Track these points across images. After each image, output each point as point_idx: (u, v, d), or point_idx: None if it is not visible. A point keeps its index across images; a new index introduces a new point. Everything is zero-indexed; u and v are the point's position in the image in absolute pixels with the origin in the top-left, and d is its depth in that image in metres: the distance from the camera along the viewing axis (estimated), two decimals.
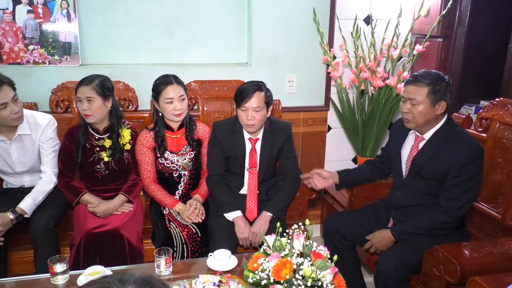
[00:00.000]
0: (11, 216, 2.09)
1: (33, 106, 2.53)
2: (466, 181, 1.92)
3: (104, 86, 2.22)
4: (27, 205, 2.14)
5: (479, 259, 1.74)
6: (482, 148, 1.97)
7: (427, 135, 2.03)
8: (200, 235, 2.25)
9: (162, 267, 1.79)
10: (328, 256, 1.49)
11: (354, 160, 3.35)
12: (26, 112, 2.26)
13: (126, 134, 2.33)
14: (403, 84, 2.72)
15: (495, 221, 2.14)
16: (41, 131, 2.25)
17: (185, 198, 2.39)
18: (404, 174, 2.12)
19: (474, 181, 1.94)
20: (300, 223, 1.62)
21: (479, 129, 2.29)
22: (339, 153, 3.33)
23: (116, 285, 0.53)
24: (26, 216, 2.13)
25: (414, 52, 2.73)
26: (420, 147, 2.05)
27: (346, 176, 2.38)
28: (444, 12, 2.66)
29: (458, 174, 1.91)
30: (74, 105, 2.61)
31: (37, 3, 2.59)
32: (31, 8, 2.59)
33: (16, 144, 2.22)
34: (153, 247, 2.24)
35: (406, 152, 2.12)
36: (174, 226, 2.26)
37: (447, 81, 1.95)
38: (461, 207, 1.94)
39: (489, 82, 2.91)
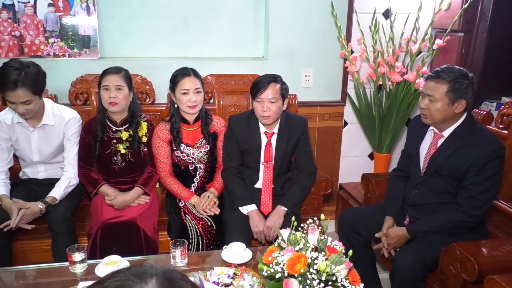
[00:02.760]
0: (40, 206, 2.15)
1: (53, 98, 2.57)
2: (487, 179, 1.88)
3: (130, 77, 2.31)
4: (57, 193, 2.22)
5: (498, 257, 1.71)
6: (504, 146, 1.92)
7: (446, 133, 1.99)
8: (215, 228, 2.26)
9: (178, 258, 1.81)
10: (343, 251, 1.48)
11: (371, 156, 3.32)
12: (53, 104, 2.32)
13: (143, 127, 2.36)
14: (422, 79, 2.68)
15: None
16: (63, 124, 2.30)
17: (200, 191, 2.40)
18: (421, 172, 2.08)
19: (495, 180, 1.90)
20: (315, 218, 1.62)
21: (500, 126, 2.24)
22: (355, 148, 3.30)
23: (136, 282, 0.51)
24: (56, 203, 2.21)
25: (434, 47, 2.68)
26: (438, 144, 2.02)
27: (397, 210, 2.17)
28: (466, 6, 2.61)
29: (479, 172, 1.87)
30: (93, 98, 2.65)
31: None
32: (51, 2, 2.63)
33: (38, 132, 2.27)
34: (169, 238, 2.26)
35: (424, 149, 2.08)
36: (189, 218, 2.28)
37: (469, 78, 1.88)
38: (480, 206, 1.90)
39: (511, 78, 2.85)
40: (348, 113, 3.17)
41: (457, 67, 1.94)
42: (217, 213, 2.29)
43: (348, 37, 2.94)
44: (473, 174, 1.89)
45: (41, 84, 2.14)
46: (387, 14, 2.93)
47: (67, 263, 1.78)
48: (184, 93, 2.25)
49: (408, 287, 1.89)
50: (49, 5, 2.63)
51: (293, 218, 1.62)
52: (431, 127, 2.05)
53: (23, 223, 2.11)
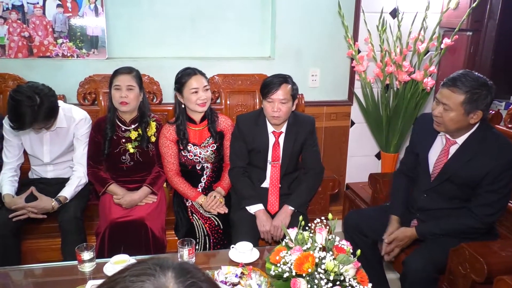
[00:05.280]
0: (53, 203, 2.18)
1: (62, 98, 2.59)
2: (503, 187, 1.85)
3: (141, 78, 2.33)
4: (68, 192, 2.25)
5: (507, 258, 1.70)
6: None
7: (460, 140, 1.93)
8: (222, 227, 2.27)
9: (185, 257, 1.82)
10: (351, 250, 1.48)
11: (378, 156, 3.31)
12: (64, 105, 2.34)
13: (152, 127, 2.38)
14: (429, 78, 2.66)
15: None
16: (74, 125, 2.32)
17: (207, 190, 2.41)
18: (431, 178, 2.03)
19: (509, 188, 1.87)
20: (323, 217, 1.62)
21: (509, 125, 2.22)
22: (362, 148, 3.29)
23: (158, 271, 0.54)
24: (66, 202, 2.24)
25: (442, 46, 2.67)
26: (451, 152, 1.96)
27: (404, 209, 2.15)
28: (474, 5, 2.58)
29: (495, 181, 1.83)
30: (101, 98, 2.67)
31: None
32: (60, 3, 2.65)
33: (51, 134, 2.30)
34: (176, 238, 2.28)
35: (434, 155, 2.03)
36: (196, 218, 2.29)
37: (488, 87, 1.79)
38: (494, 213, 1.88)
39: None
40: (355, 112, 3.16)
41: (475, 74, 1.83)
42: (226, 212, 2.29)
43: (355, 37, 2.93)
44: (489, 182, 1.84)
45: (55, 112, 2.18)
46: (394, 13, 2.92)
47: (76, 262, 1.80)
48: (194, 92, 2.26)
49: None
50: (58, 6, 2.65)
51: (300, 217, 1.62)
52: (442, 132, 1.98)
53: (32, 215, 2.15)
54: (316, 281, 1.39)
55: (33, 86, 2.08)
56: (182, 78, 2.28)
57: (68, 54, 2.73)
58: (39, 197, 2.17)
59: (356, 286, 1.40)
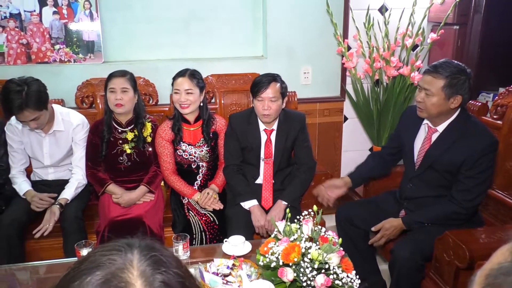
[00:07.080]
0: (57, 207, 2.28)
1: (60, 103, 2.67)
2: (481, 173, 1.91)
3: (135, 80, 2.39)
4: (68, 194, 2.34)
5: (489, 244, 1.75)
6: (497, 140, 1.95)
7: (441, 127, 2.01)
8: (217, 223, 2.34)
9: (180, 252, 1.89)
10: (334, 239, 1.54)
11: (371, 150, 3.36)
12: (62, 109, 2.42)
13: (147, 127, 2.44)
14: (417, 72, 2.72)
15: (510, 208, 2.14)
16: (71, 129, 2.40)
17: (203, 188, 2.47)
18: (415, 166, 2.11)
19: (488, 173, 1.94)
20: (310, 210, 1.68)
21: (495, 116, 2.28)
22: (355, 143, 3.35)
23: (125, 248, 0.62)
24: (67, 202, 2.33)
25: (428, 41, 2.72)
26: (433, 139, 2.04)
27: (357, 177, 2.36)
28: None
29: (473, 166, 1.91)
30: (98, 101, 2.74)
31: (62, 5, 2.73)
32: (56, 10, 2.73)
33: (49, 138, 2.38)
34: (173, 234, 2.34)
35: (419, 144, 2.11)
36: (193, 214, 2.36)
37: (467, 74, 1.89)
38: (474, 198, 1.94)
39: (507, 69, 2.86)
40: (348, 108, 3.22)
41: (455, 62, 1.94)
42: (221, 207, 2.36)
43: (344, 34, 2.99)
44: (468, 168, 1.92)
45: (45, 99, 2.21)
46: (381, 10, 2.97)
47: (76, 258, 1.88)
48: (176, 93, 2.32)
49: (407, 278, 1.94)
50: (54, 13, 2.73)
51: (287, 210, 1.68)
52: (425, 121, 2.07)
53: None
54: (302, 269, 1.46)
55: (22, 77, 2.18)
56: (174, 77, 2.35)
57: (66, 60, 2.81)
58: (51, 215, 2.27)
59: (340, 273, 1.46)
